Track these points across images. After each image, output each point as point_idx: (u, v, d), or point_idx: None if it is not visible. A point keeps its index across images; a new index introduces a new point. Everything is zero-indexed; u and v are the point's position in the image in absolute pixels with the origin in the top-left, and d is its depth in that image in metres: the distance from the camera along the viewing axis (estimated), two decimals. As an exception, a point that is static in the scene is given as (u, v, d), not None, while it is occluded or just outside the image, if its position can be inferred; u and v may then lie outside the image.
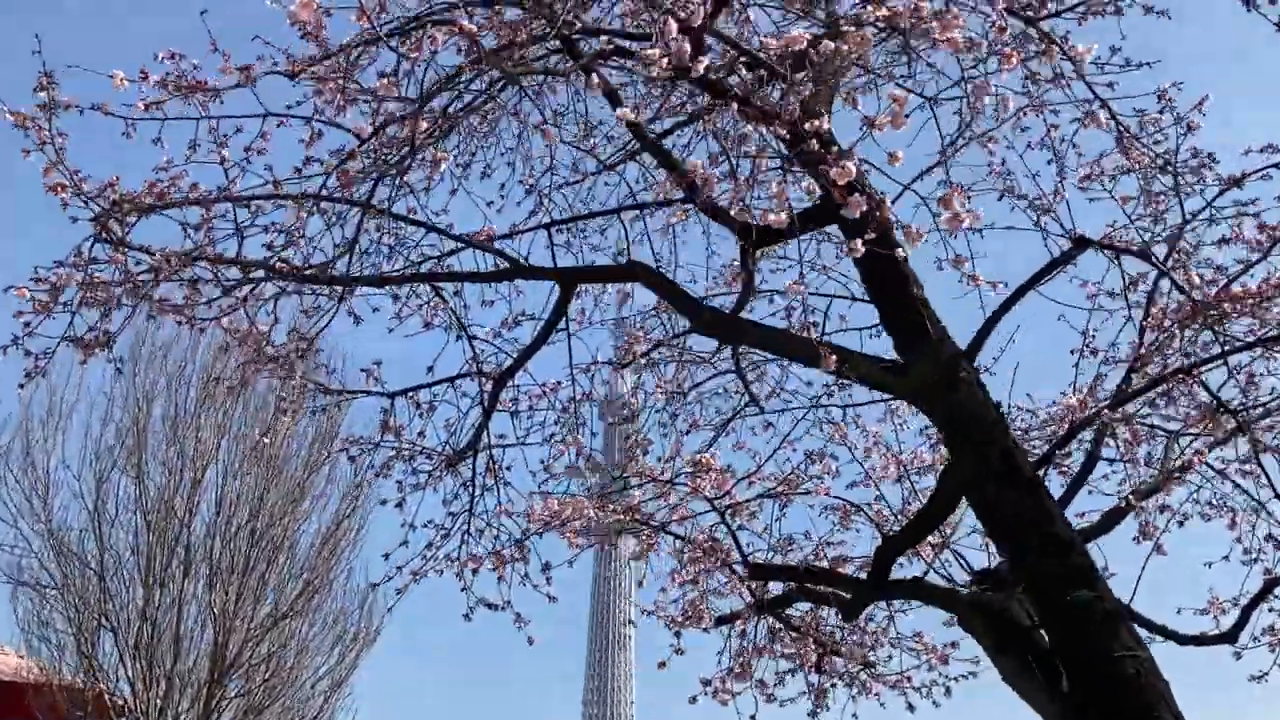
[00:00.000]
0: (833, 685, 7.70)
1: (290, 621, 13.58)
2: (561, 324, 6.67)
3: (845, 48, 4.45)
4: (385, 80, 3.88)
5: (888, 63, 4.97)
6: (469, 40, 3.96)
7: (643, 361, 6.91)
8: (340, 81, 4.01)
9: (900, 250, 4.36)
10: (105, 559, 13.09)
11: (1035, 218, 4.64)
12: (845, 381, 6.32)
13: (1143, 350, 5.74)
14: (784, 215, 4.92)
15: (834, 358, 3.77)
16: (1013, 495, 4.09)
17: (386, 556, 6.79)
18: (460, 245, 6.08)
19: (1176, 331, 5.84)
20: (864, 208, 3.50)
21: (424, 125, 4.90)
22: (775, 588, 6.19)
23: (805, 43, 4.45)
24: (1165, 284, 5.48)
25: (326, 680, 13.86)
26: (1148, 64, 5.10)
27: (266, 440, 6.88)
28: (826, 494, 5.43)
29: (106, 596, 12.88)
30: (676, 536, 7.30)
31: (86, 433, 13.94)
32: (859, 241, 3.83)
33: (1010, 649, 4.26)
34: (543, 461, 6.88)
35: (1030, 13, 4.95)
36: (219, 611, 13.00)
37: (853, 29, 4.03)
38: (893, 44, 5.08)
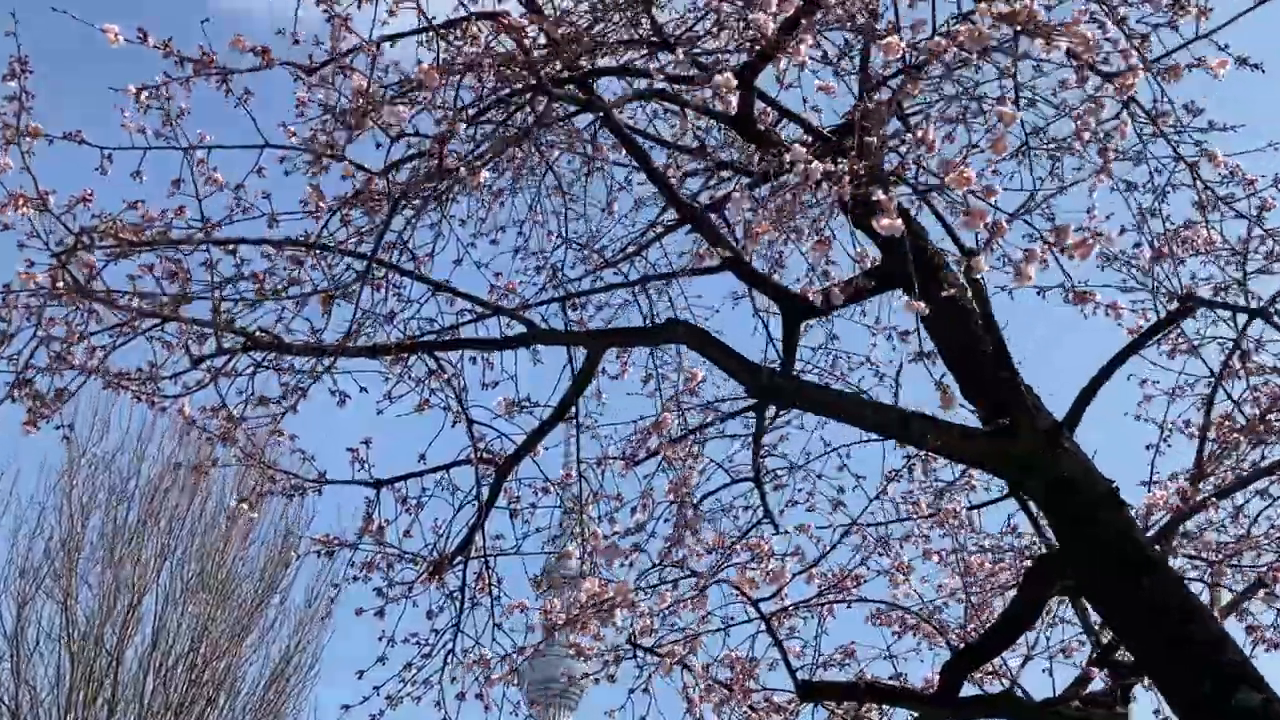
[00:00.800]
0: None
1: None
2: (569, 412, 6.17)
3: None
4: (427, 68, 3.42)
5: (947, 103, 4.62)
6: (516, 39, 3.54)
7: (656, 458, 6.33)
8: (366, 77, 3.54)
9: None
10: (20, 694, 11.87)
11: (1133, 277, 4.22)
12: (883, 495, 5.80)
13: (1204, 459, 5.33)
14: (841, 286, 4.53)
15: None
16: (1141, 583, 3.51)
17: (360, 675, 6.01)
18: (472, 311, 5.56)
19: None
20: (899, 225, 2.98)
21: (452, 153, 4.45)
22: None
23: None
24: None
25: None
26: (1232, 128, 4.83)
27: (246, 507, 6.09)
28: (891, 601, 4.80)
29: (19, 738, 11.59)
30: (686, 668, 6.61)
31: (13, 547, 12.93)
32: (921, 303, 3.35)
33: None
34: (538, 576, 6.24)
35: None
36: None
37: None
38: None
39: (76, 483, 12.88)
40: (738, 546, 4.63)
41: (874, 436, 5.98)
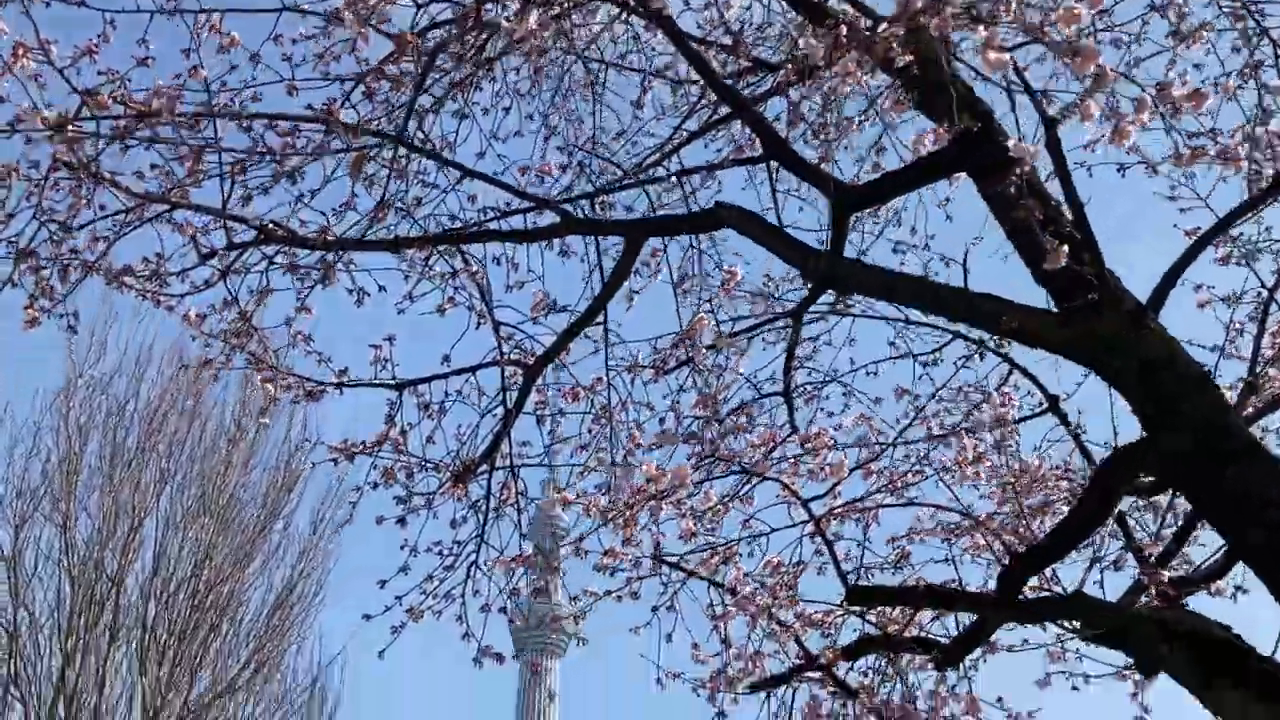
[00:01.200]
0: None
1: (231, 698, 12.22)
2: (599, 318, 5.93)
3: None
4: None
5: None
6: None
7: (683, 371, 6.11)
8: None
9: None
10: (18, 616, 11.74)
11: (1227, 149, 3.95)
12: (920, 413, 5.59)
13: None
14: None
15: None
16: (1237, 469, 3.29)
17: (383, 584, 5.83)
18: (496, 209, 5.28)
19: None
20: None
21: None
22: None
23: None
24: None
25: None
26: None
27: (265, 421, 5.85)
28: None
29: (19, 660, 11.45)
30: (716, 585, 6.47)
31: (9, 466, 12.71)
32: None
33: (1229, 676, 3.41)
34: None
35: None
36: (149, 685, 11.63)
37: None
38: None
39: (74, 404, 12.66)
40: (789, 440, 4.40)
41: (908, 350, 5.80)
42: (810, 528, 4.71)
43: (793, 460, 4.04)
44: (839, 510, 4.56)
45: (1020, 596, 4.30)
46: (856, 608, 4.88)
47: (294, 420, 13.75)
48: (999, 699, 6.00)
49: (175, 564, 12.44)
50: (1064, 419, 5.63)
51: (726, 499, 4.44)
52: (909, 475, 4.33)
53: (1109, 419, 5.10)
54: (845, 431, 4.47)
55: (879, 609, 5.84)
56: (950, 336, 5.63)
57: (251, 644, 12.66)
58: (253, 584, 12.94)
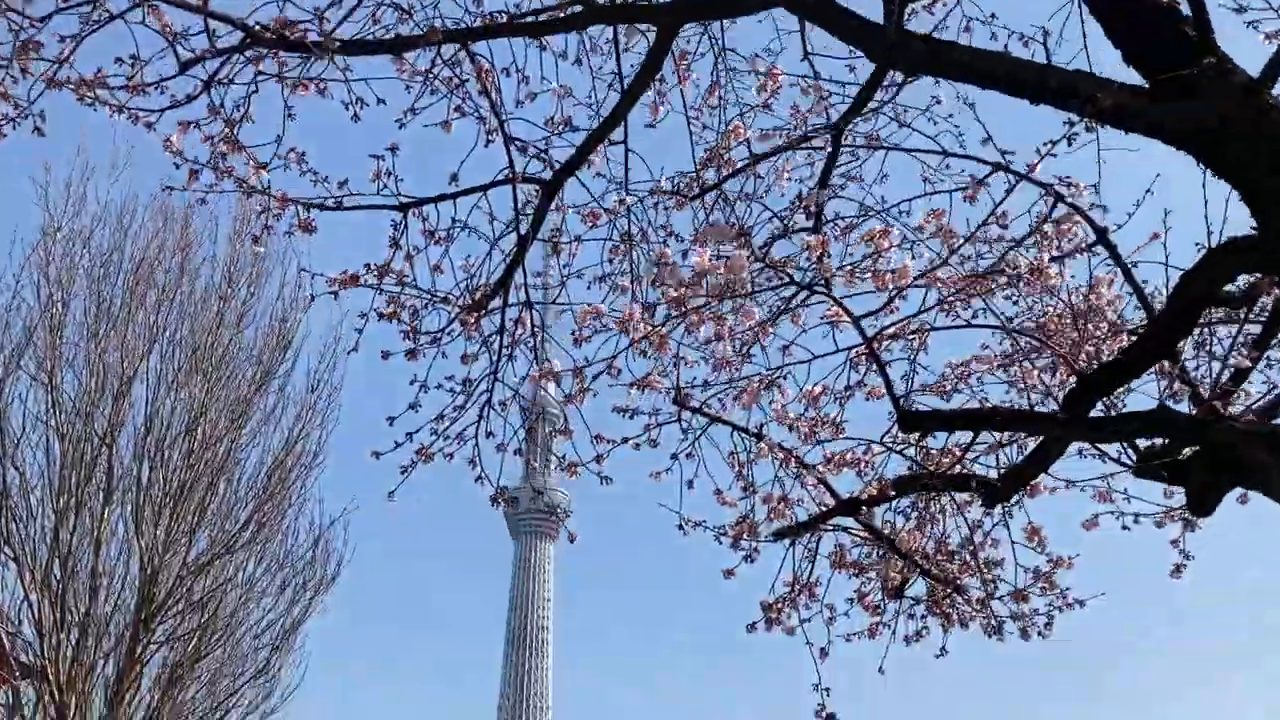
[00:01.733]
0: (912, 617, 6.68)
1: (230, 559, 12.14)
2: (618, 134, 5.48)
3: None
4: None
5: None
6: None
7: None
8: None
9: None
10: (7, 476, 11.52)
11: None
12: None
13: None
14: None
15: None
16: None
17: (392, 421, 5.52)
18: (504, 12, 4.79)
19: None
20: None
21: None
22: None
23: None
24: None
25: (269, 633, 12.45)
26: None
27: (260, 249, 5.36)
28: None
29: (10, 518, 11.26)
30: (741, 430, 6.20)
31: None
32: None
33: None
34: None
35: None
36: (146, 545, 11.50)
37: None
38: None
39: (54, 258, 12.19)
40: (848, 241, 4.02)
41: (939, 186, 5.38)
42: (850, 356, 4.38)
43: (848, 270, 3.65)
44: (893, 330, 4.21)
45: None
46: (902, 439, 4.58)
47: (287, 275, 13.36)
48: (1039, 543, 5.80)
49: (168, 423, 12.18)
50: (1114, 251, 5.27)
51: (776, 314, 4.07)
52: (964, 295, 3.95)
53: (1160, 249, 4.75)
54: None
55: (920, 447, 5.57)
56: (991, 169, 5.22)
57: (250, 504, 12.52)
58: (250, 444, 12.75)
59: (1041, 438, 4.30)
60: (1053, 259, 5.38)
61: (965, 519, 6.09)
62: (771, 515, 6.23)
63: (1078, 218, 5.25)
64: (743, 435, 6.49)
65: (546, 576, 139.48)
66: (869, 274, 3.75)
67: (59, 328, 11.87)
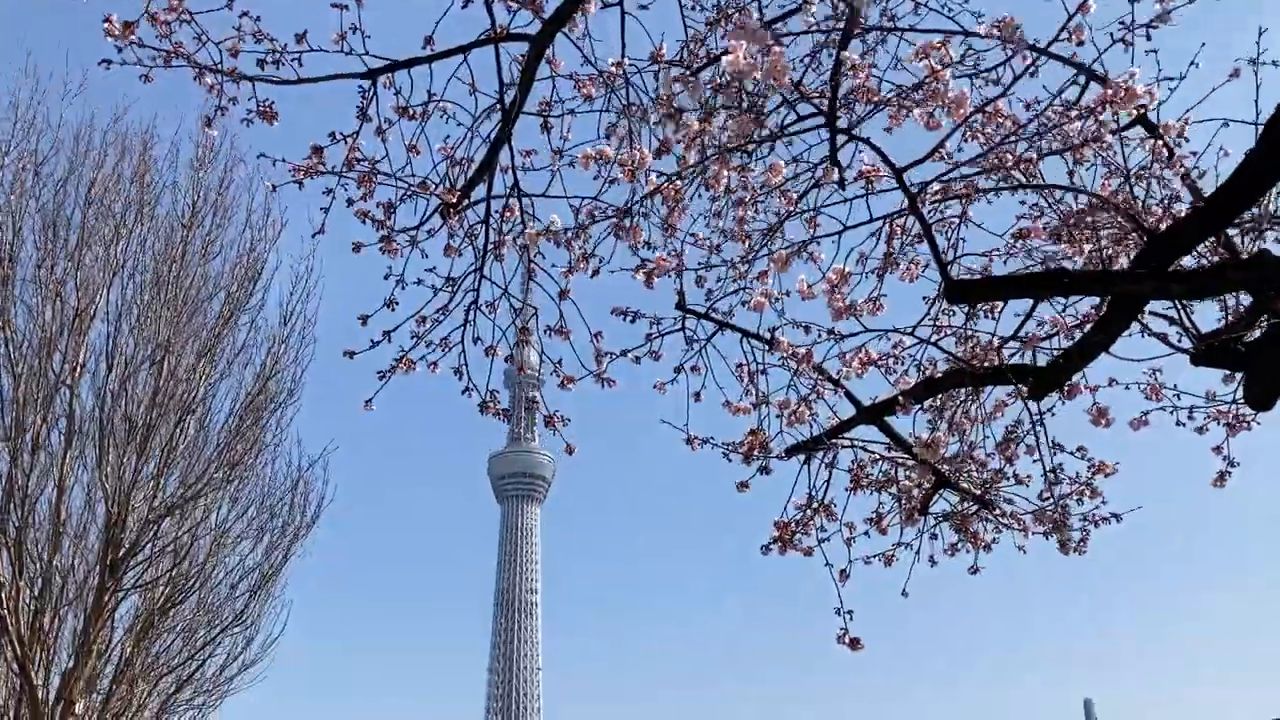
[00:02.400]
0: (935, 537, 6.28)
1: (201, 501, 11.58)
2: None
3: None
4: None
5: None
6: None
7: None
8: None
9: None
10: (-39, 421, 10.88)
11: None
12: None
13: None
14: None
15: None
16: None
17: (365, 320, 5.02)
18: None
19: None
20: None
21: None
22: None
23: None
24: None
25: (246, 580, 11.95)
26: None
27: (211, 131, 4.77)
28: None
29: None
30: (752, 337, 5.77)
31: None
32: None
33: None
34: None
35: None
36: (110, 488, 10.95)
37: None
38: None
39: (1, 184, 11.45)
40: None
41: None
42: (886, 223, 3.87)
43: (894, 103, 3.13)
44: (938, 189, 3.70)
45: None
46: (936, 329, 4.10)
47: (254, 203, 12.70)
48: (1079, 449, 5.36)
49: (131, 360, 11.57)
50: (1153, 130, 4.79)
51: (810, 168, 3.56)
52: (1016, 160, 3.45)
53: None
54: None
55: (962, 331, 5.07)
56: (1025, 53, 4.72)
57: (221, 444, 11.95)
58: (219, 380, 12.16)
59: (1099, 317, 3.82)
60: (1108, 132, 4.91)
61: (989, 430, 5.67)
62: (792, 420, 5.78)
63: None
64: (752, 343, 6.02)
65: (534, 539, 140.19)
66: (914, 107, 3.23)
67: (10, 260, 11.18)
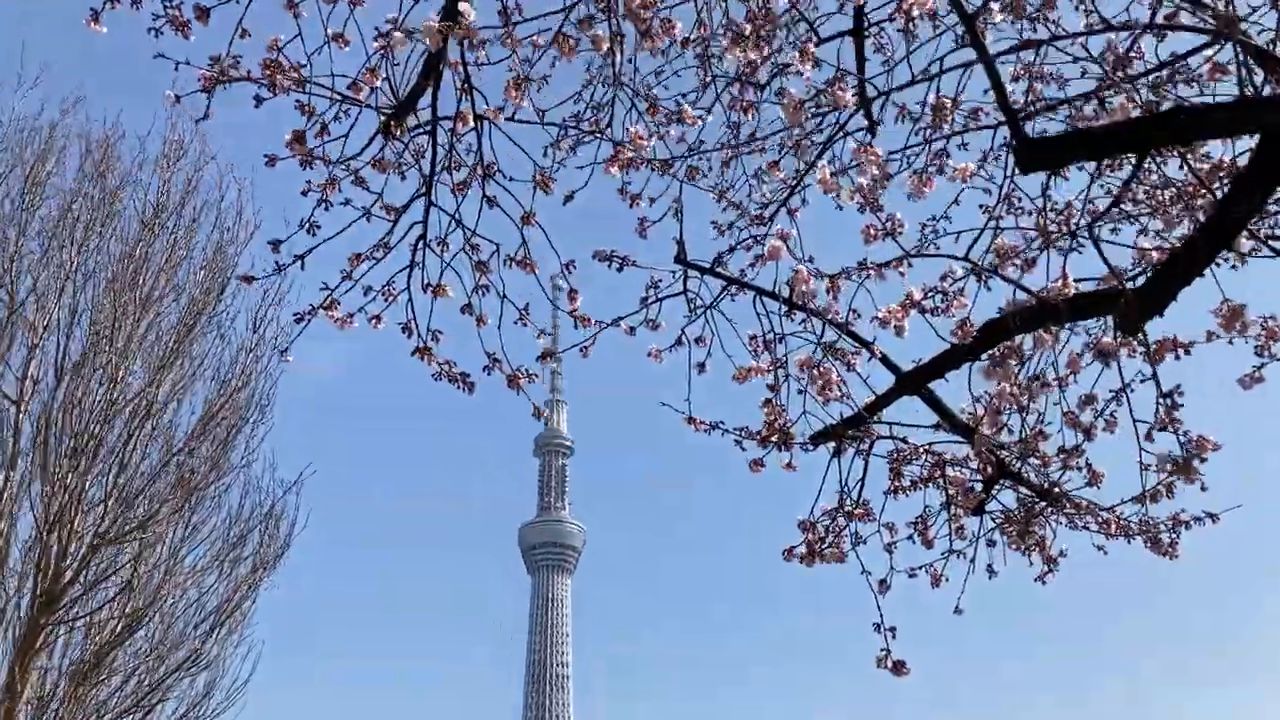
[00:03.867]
0: (992, 544, 5.42)
1: (154, 528, 10.53)
2: None
3: None
4: None
5: None
6: None
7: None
8: None
9: None
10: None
11: None
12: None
13: None
14: None
15: None
16: None
17: (276, 246, 4.08)
18: None
19: None
20: None
21: None
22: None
23: None
24: None
25: (203, 616, 10.80)
26: None
27: (98, 28, 3.77)
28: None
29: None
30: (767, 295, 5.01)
31: None
32: None
33: None
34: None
35: None
36: (52, 512, 9.89)
37: None
38: None
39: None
40: None
41: None
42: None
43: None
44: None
45: None
46: (1025, 174, 3.10)
47: (224, 204, 11.85)
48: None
49: (80, 370, 10.58)
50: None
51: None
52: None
53: None
54: None
55: (1041, 219, 4.04)
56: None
57: (179, 464, 10.95)
58: (178, 393, 11.17)
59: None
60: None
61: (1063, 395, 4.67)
62: (823, 389, 4.83)
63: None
64: (767, 304, 5.16)
65: (564, 610, 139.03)
66: None
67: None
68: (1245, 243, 3.11)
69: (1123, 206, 3.18)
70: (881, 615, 4.75)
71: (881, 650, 4.69)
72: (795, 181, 5.03)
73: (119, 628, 10.12)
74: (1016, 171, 3.13)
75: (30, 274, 10.56)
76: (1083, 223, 3.23)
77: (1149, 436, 3.42)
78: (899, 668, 4.74)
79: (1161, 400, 3.49)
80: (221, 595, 10.95)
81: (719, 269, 5.19)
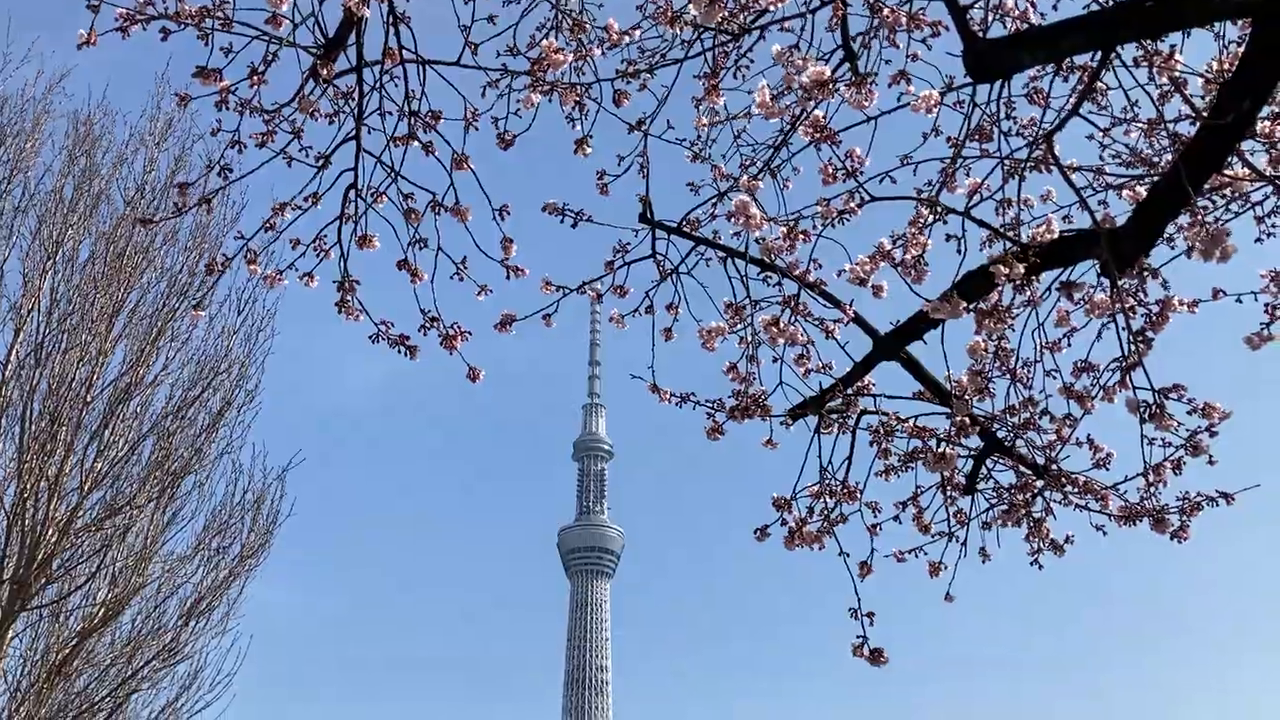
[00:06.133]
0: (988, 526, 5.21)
1: (133, 513, 10.36)
2: None
3: None
4: None
5: None
6: None
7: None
8: None
9: None
10: None
11: None
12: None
13: None
14: None
15: None
16: None
17: (183, 189, 3.86)
18: None
19: None
20: None
21: None
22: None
23: None
24: None
25: (180, 606, 10.61)
26: None
27: None
28: None
29: None
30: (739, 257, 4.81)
31: None
32: None
33: None
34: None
35: None
36: (25, 492, 9.72)
37: None
38: None
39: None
40: None
41: None
42: None
43: None
44: None
45: None
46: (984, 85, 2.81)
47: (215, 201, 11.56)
48: (1175, 387, 4.04)
49: (59, 349, 10.42)
50: None
51: None
52: None
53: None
54: None
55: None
56: None
57: (160, 448, 10.80)
58: (160, 377, 11.00)
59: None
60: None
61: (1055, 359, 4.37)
62: (799, 361, 4.60)
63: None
64: (740, 267, 4.94)
65: (604, 615, 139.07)
66: None
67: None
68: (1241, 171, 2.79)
69: (1086, 116, 2.88)
70: (859, 599, 4.51)
71: (858, 637, 4.45)
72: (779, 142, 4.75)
73: (95, 616, 9.98)
74: (982, 96, 2.83)
75: (12, 252, 10.46)
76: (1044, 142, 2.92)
77: (1123, 383, 3.11)
78: (876, 656, 4.48)
79: (1132, 340, 3.18)
80: (202, 584, 10.81)
81: (685, 228, 4.93)
